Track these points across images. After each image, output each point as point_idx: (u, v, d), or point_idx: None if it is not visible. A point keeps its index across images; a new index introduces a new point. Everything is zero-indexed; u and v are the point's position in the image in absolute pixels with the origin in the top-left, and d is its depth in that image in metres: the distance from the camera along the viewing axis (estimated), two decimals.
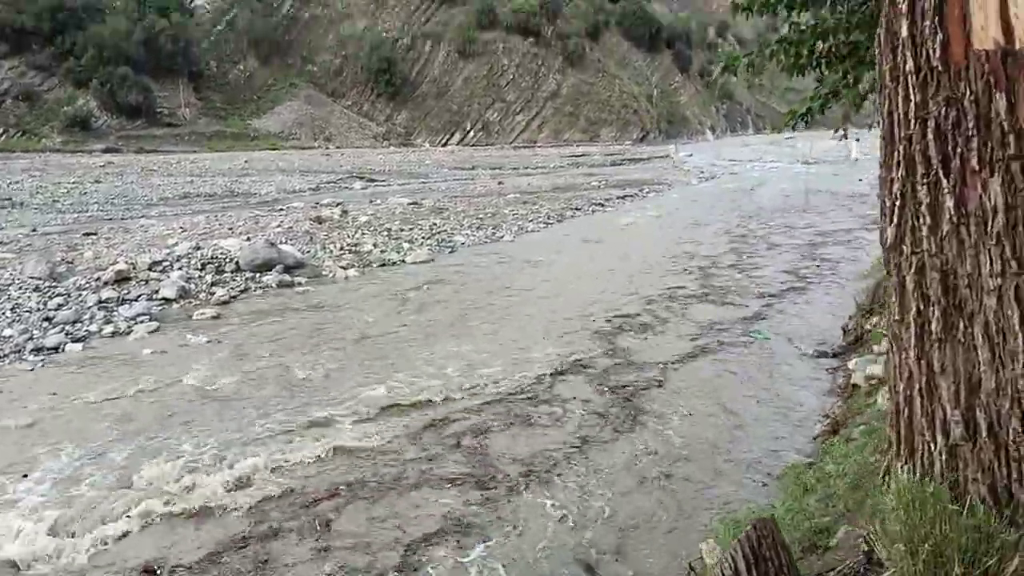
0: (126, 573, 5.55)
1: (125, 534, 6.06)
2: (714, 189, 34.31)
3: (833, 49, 8.36)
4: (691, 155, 59.65)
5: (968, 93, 2.30)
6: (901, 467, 2.49)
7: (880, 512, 2.26)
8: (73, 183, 36.85)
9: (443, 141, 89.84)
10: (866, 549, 2.48)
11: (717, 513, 6.18)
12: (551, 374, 9.90)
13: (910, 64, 2.40)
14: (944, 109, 2.33)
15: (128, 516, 6.28)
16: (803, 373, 9.77)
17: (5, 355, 10.81)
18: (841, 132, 13.13)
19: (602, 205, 28.33)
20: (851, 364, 8.89)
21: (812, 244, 19.42)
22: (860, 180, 34.16)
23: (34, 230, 21.50)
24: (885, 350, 8.58)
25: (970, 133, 2.29)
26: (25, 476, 7.04)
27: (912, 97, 2.41)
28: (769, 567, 2.09)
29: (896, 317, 2.55)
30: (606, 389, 9.40)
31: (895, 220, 2.47)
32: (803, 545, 4.25)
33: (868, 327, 10.08)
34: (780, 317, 12.58)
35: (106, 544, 5.93)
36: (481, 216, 24.61)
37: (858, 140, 43.86)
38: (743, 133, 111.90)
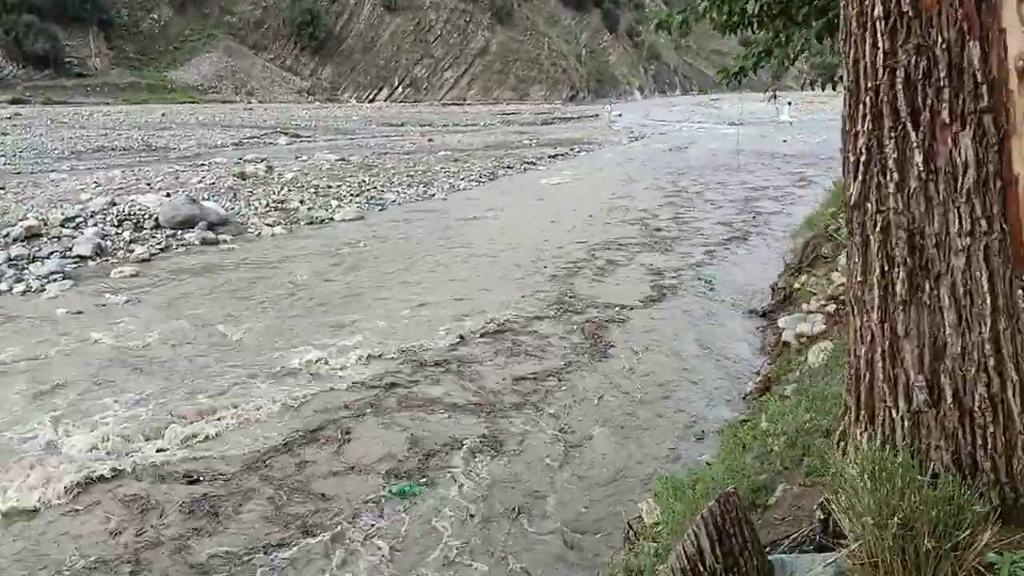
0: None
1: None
2: (645, 149, 34.45)
3: (765, 8, 8.34)
4: (620, 115, 59.73)
5: (940, 40, 2.18)
6: (860, 433, 2.41)
7: (842, 481, 2.17)
8: None
9: (370, 97, 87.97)
10: (822, 517, 2.40)
11: (658, 465, 6.31)
12: (508, 319, 10.02)
13: (878, 9, 2.27)
14: (914, 58, 2.22)
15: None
16: (738, 329, 9.90)
17: None
18: (771, 93, 13.21)
19: (534, 164, 28.15)
20: (781, 322, 9.01)
21: (746, 199, 19.68)
22: (784, 141, 34.80)
23: None
24: (814, 308, 8.77)
25: (941, 84, 2.19)
26: None
27: (880, 45, 2.28)
28: (733, 543, 1.99)
29: (858, 278, 2.44)
30: (573, 328, 9.68)
31: (859, 176, 2.35)
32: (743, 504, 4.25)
33: (797, 285, 10.24)
34: (719, 267, 12.84)
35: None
36: (412, 174, 24.20)
37: (790, 104, 44.47)
38: (671, 94, 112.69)
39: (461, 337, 9.32)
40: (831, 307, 8.29)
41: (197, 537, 5.22)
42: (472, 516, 5.54)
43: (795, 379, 6.85)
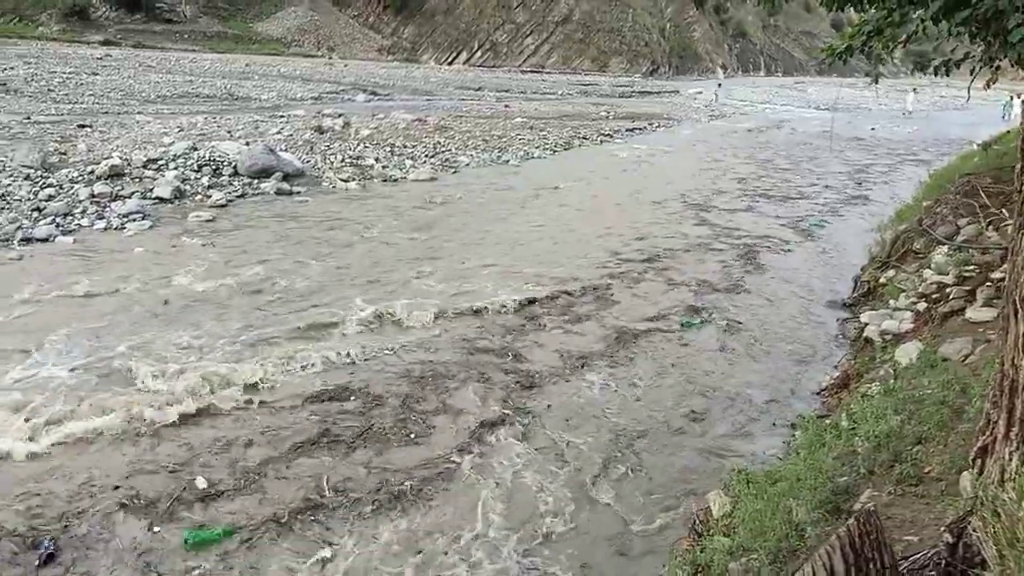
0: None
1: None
2: (726, 128, 33.55)
3: None
4: (701, 92, 58.38)
5: None
6: (1010, 453, 2.13)
7: (988, 504, 1.88)
8: (69, 73, 35.75)
9: (449, 59, 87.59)
10: (951, 541, 2.14)
11: (726, 448, 6.26)
12: (584, 279, 10.50)
13: None
14: None
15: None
16: (817, 319, 9.57)
17: None
18: (873, 76, 12.57)
19: (610, 136, 27.66)
20: (864, 317, 8.64)
21: (832, 186, 19.06)
22: (872, 129, 33.54)
23: (27, 118, 20.82)
24: (902, 306, 8.36)
25: None
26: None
27: None
28: (871, 569, 1.75)
29: None
30: (652, 303, 9.82)
31: None
32: (826, 508, 4.02)
33: (883, 280, 9.80)
34: (798, 255, 12.54)
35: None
36: (487, 139, 24.00)
37: (915, 91, 42.44)
38: (755, 74, 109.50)
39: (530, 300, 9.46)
40: (921, 305, 7.88)
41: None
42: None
43: (880, 379, 6.52)
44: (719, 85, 56.37)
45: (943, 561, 2.13)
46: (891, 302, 8.60)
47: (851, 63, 10.55)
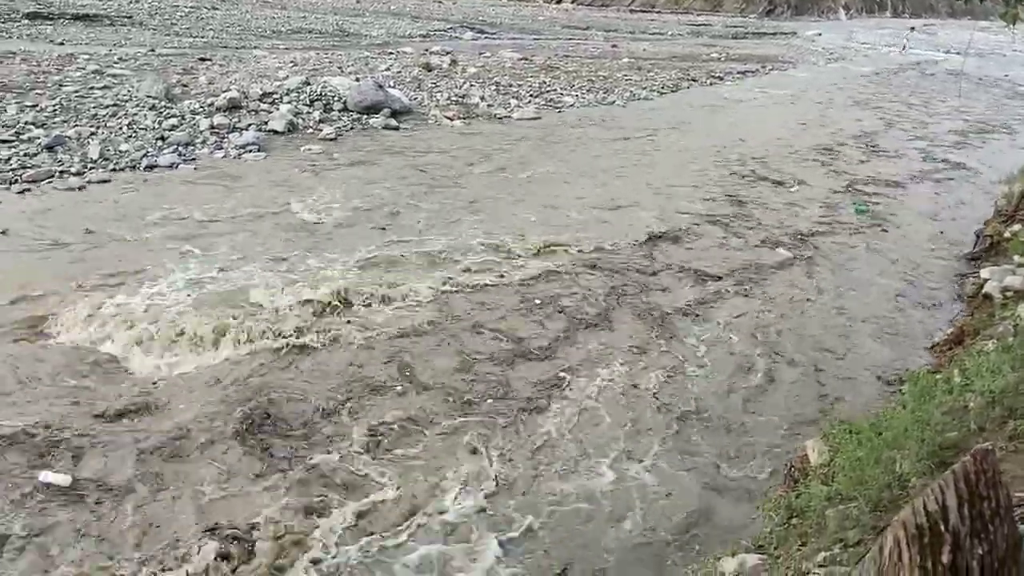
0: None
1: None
2: (845, 71, 31.98)
3: None
4: (820, 34, 55.64)
5: None
6: None
7: None
8: (191, 7, 36.90)
9: None
10: None
11: (828, 397, 6.25)
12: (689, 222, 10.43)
13: None
14: None
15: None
16: (932, 273, 9.21)
17: (121, 168, 11.06)
18: (1010, 18, 11.76)
19: (721, 78, 26.78)
20: (984, 273, 8.26)
21: (959, 134, 18.08)
22: (1006, 76, 31.46)
23: (152, 50, 21.65)
24: None
25: None
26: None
27: None
28: (984, 507, 1.71)
29: None
30: (766, 236, 10.00)
31: None
32: (932, 461, 3.93)
33: (1007, 235, 9.31)
34: (917, 205, 12.03)
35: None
36: (592, 79, 23.62)
37: None
38: (880, 15, 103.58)
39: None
40: None
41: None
42: None
43: (998, 335, 6.25)
44: (912, 29, 52.06)
45: None
46: (1015, 257, 8.21)
47: (986, 3, 9.85)
